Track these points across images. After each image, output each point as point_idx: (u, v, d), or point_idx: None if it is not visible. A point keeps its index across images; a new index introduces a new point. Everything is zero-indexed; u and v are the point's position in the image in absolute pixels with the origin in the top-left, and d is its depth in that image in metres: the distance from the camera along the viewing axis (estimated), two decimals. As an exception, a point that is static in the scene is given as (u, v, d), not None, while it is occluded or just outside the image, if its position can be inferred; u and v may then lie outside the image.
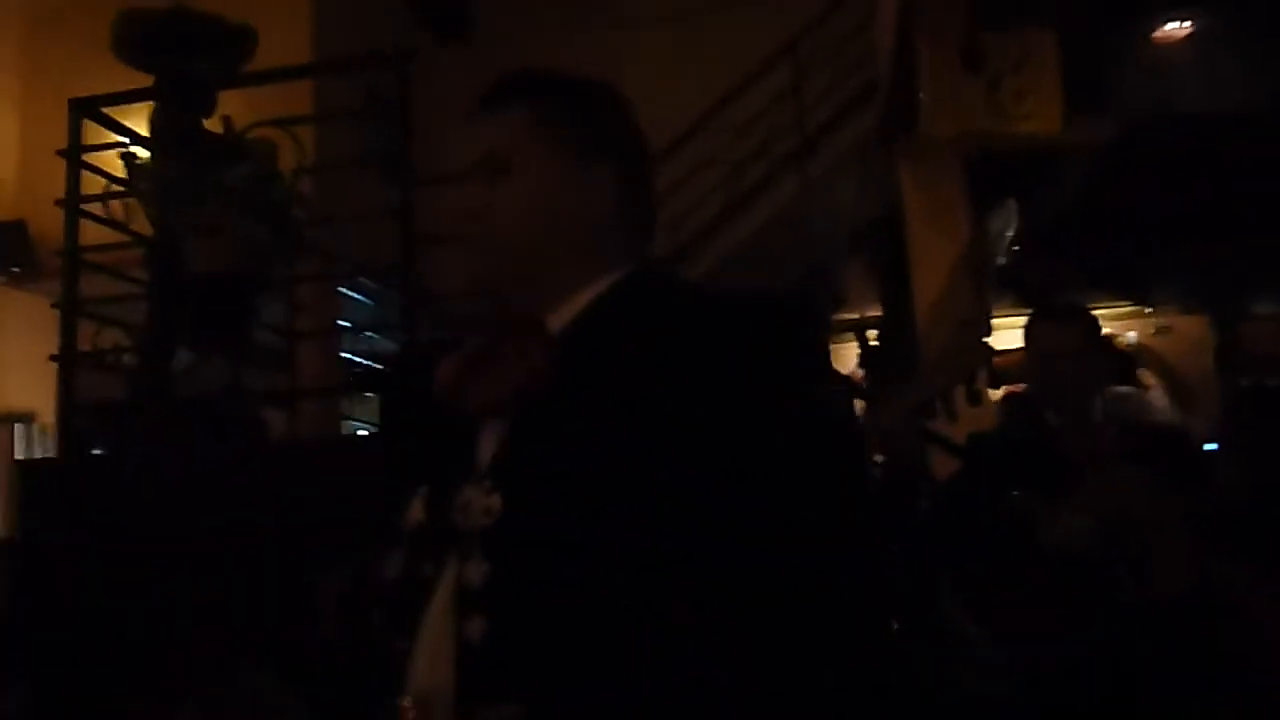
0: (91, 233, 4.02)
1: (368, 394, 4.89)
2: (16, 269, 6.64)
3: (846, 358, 4.84)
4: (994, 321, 3.40)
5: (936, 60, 4.83)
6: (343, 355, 5.45)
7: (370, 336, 5.07)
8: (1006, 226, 4.93)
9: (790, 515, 0.95)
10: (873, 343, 3.52)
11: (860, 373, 3.79)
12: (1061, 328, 2.46)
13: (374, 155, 3.91)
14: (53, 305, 3.91)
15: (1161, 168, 4.87)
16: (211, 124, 4.07)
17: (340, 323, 5.55)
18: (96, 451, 3.98)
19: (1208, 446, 3.27)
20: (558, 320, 1.08)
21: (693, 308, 1.04)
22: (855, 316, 6.62)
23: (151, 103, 4.13)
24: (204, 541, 3.17)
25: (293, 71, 4.89)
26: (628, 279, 1.09)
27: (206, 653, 2.54)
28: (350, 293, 5.72)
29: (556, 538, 0.96)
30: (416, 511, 1.06)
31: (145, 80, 4.17)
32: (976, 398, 3.05)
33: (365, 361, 5.25)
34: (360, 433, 5.24)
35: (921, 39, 4.87)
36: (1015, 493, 2.35)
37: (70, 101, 4.05)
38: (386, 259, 3.85)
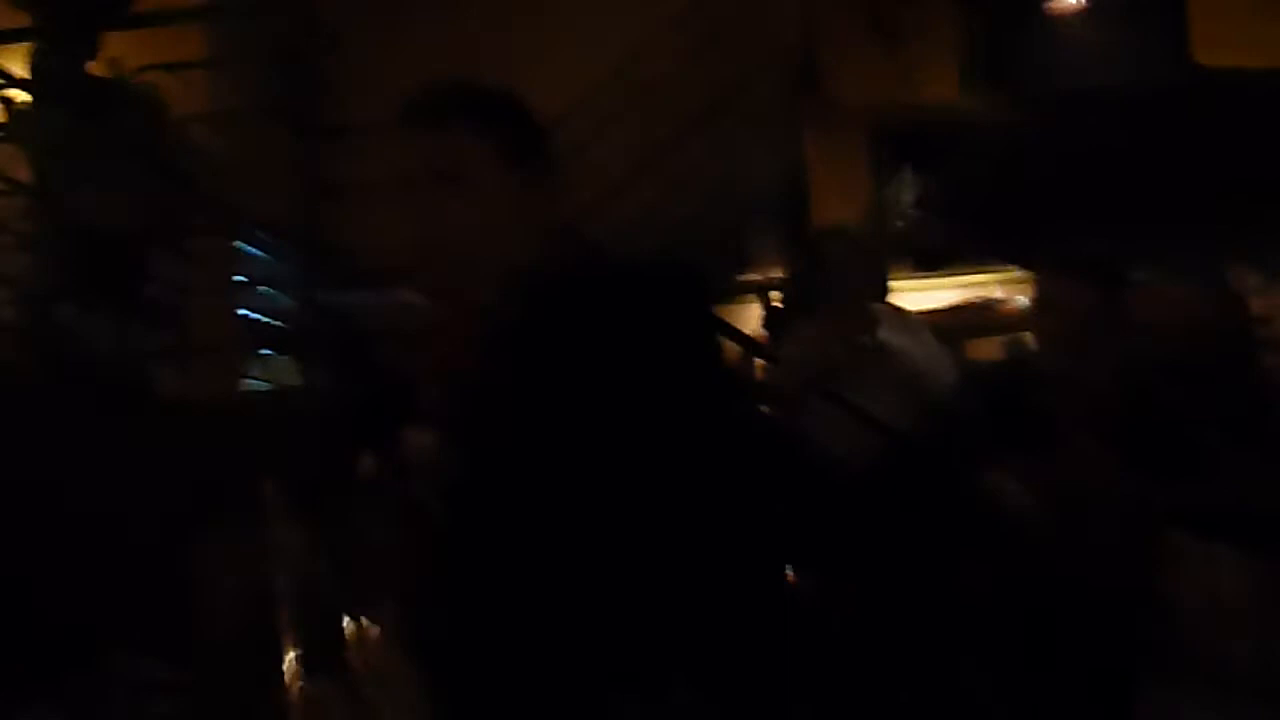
0: (-33, 180, 3.82)
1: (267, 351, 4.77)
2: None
3: (750, 319, 4.91)
4: (891, 285, 3.45)
5: (840, 25, 4.89)
6: (239, 312, 5.28)
7: (268, 292, 4.92)
8: (905, 193, 5.04)
9: (674, 470, 1.09)
10: (776, 304, 3.58)
11: (764, 334, 3.85)
12: (1075, 283, 2.36)
13: (275, 103, 3.80)
14: (-74, 256, 3.72)
15: (1055, 137, 5.03)
16: (97, 67, 3.90)
17: (237, 278, 5.37)
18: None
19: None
20: (489, 297, 1.23)
21: (586, 281, 1.20)
22: (759, 278, 6.70)
23: (31, 43, 3.93)
24: (87, 506, 3.07)
25: (188, 13, 4.69)
26: (545, 250, 1.24)
27: (78, 636, 2.47)
28: (249, 248, 5.54)
29: (478, 482, 1.14)
30: (368, 463, 1.34)
31: (24, 19, 3.97)
32: (859, 358, 3.11)
33: (264, 318, 5.10)
34: (258, 390, 5.10)
35: (826, 3, 4.91)
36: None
37: (-58, 41, 3.83)
38: (288, 212, 3.75)
